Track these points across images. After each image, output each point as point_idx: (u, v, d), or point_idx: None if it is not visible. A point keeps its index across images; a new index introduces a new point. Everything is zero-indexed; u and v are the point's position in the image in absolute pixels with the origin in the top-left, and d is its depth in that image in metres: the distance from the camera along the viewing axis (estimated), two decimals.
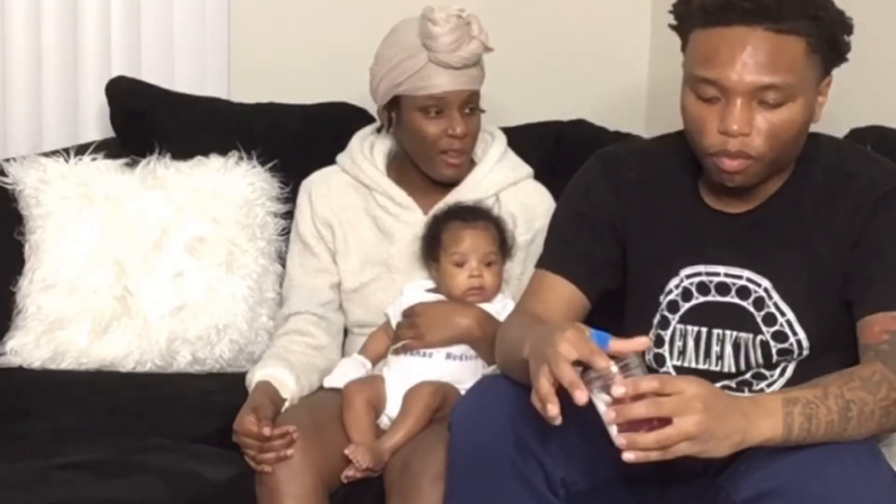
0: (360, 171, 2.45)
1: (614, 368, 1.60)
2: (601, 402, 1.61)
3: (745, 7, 1.77)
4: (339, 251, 2.43)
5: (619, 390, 1.58)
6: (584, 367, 1.61)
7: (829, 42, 1.82)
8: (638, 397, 1.58)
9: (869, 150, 2.03)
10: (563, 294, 2.00)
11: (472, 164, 2.47)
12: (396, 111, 2.38)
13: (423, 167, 2.40)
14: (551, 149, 2.72)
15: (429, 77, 2.31)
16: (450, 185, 2.42)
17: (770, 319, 1.90)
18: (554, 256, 2.04)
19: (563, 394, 1.60)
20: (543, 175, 2.51)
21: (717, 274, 1.93)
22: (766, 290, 1.90)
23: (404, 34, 2.35)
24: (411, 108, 2.34)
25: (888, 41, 2.49)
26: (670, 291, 1.96)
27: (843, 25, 1.84)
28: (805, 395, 1.68)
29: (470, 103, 2.34)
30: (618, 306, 2.06)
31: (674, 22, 1.89)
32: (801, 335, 1.89)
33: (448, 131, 2.32)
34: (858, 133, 2.36)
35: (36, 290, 2.52)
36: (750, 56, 1.77)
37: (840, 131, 2.28)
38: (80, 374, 2.49)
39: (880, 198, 1.86)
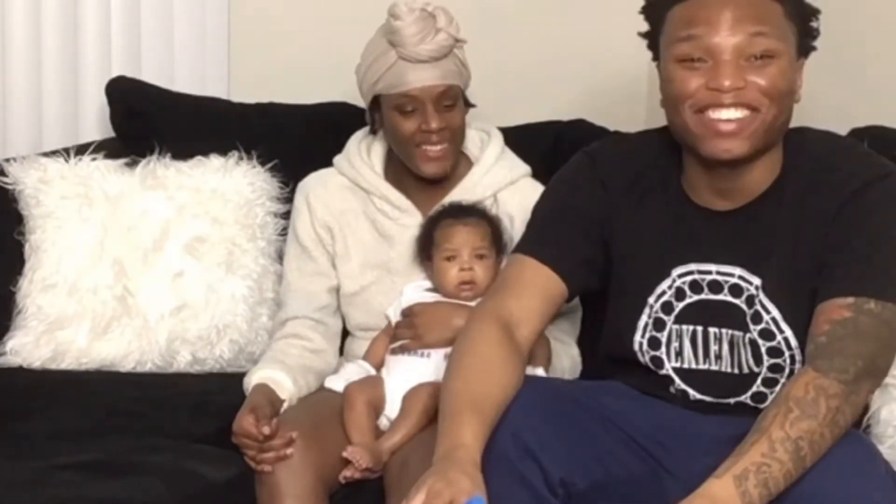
0: (358, 175, 2.43)
1: None
2: None
3: None
4: (339, 254, 2.42)
5: None
6: None
7: (801, 17, 1.85)
8: None
9: (856, 143, 2.01)
10: (544, 283, 1.98)
11: (469, 164, 2.46)
12: (379, 111, 2.37)
13: (408, 165, 2.37)
14: (550, 149, 2.71)
15: (400, 74, 2.28)
16: (447, 186, 2.40)
17: (756, 317, 1.88)
18: (537, 244, 2.01)
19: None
20: (543, 175, 2.49)
21: (710, 272, 1.92)
22: (756, 287, 1.88)
23: (378, 34, 2.34)
24: (389, 107, 2.32)
25: (889, 41, 2.49)
26: (663, 293, 1.94)
27: (810, 5, 1.87)
28: (753, 460, 1.66)
29: (446, 98, 2.30)
30: (596, 308, 2.05)
31: (645, 12, 1.91)
32: (788, 332, 1.87)
33: (422, 127, 2.30)
34: (858, 133, 2.36)
35: (36, 290, 2.53)
36: (733, 12, 1.80)
37: (840, 131, 2.28)
38: (80, 374, 2.49)
39: (856, 190, 1.84)
